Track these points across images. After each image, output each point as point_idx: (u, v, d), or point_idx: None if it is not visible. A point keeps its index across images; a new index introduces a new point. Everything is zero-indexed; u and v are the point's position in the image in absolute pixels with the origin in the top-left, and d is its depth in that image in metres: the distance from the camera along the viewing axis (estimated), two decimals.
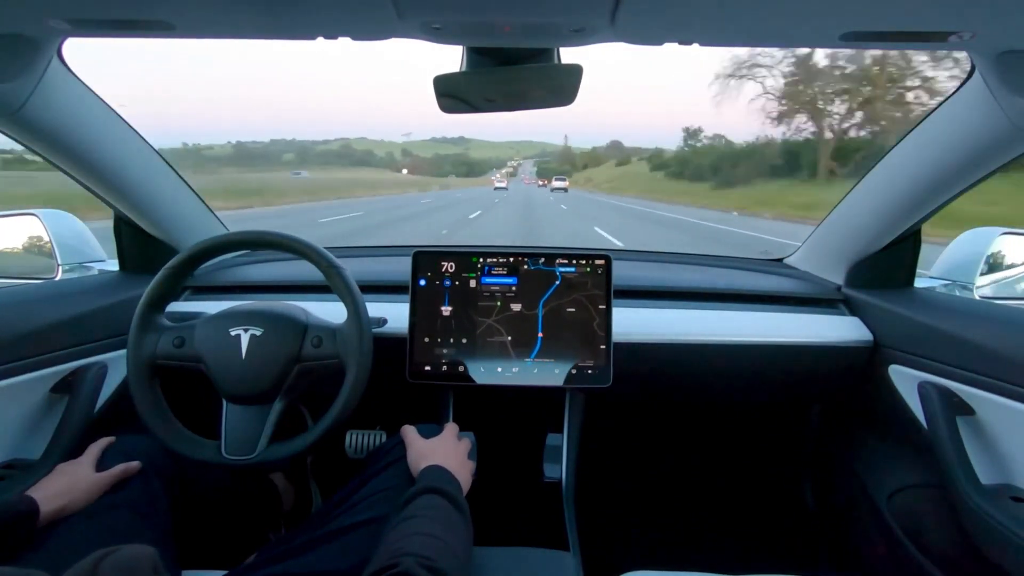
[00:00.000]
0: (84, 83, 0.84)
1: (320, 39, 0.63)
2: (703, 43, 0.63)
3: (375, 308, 0.95)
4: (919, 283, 1.10)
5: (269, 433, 0.81)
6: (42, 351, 0.85)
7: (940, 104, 0.84)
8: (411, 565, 0.51)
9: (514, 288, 1.00)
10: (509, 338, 0.98)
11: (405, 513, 0.62)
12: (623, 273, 1.06)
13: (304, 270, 0.91)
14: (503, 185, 44.90)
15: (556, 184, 42.55)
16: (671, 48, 0.63)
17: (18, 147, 0.86)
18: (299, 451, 0.81)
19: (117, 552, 0.44)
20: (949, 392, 0.86)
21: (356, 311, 0.83)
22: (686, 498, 1.43)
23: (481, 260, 1.00)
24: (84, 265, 1.23)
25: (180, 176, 1.11)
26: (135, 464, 0.77)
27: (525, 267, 1.00)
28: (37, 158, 0.88)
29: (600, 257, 1.00)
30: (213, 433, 0.83)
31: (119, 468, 0.75)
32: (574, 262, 1.00)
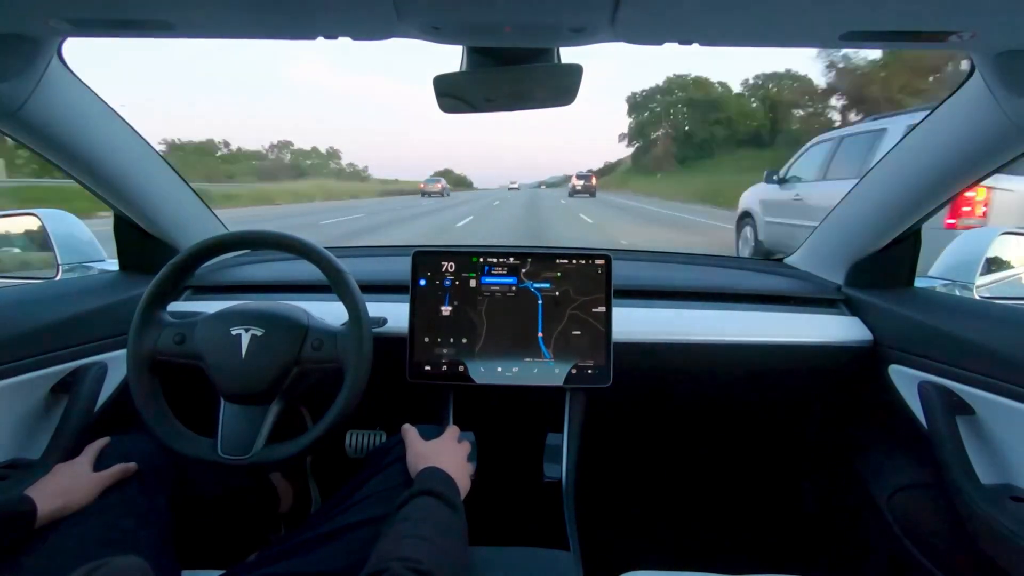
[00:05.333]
0: (84, 83, 0.84)
1: (320, 39, 0.63)
2: (703, 43, 0.63)
3: (375, 308, 0.95)
4: (919, 283, 1.10)
5: (265, 434, 0.81)
6: (42, 351, 0.85)
7: (940, 104, 0.84)
8: (399, 570, 0.51)
9: (514, 288, 1.00)
10: (509, 338, 0.99)
11: (399, 516, 0.62)
12: (623, 273, 1.06)
13: (304, 270, 0.91)
14: (515, 186, 45.64)
15: (577, 184, 26.43)
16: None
17: None
18: (294, 454, 0.81)
19: (106, 565, 0.44)
20: (949, 392, 0.86)
21: (356, 312, 0.83)
22: (686, 498, 1.43)
23: (481, 260, 1.00)
24: (84, 265, 1.23)
25: (180, 176, 1.11)
26: (133, 464, 0.77)
27: (525, 267, 1.00)
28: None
29: (600, 257, 1.00)
30: (210, 431, 0.83)
31: (117, 468, 0.75)
32: (574, 262, 1.00)
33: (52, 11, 0.58)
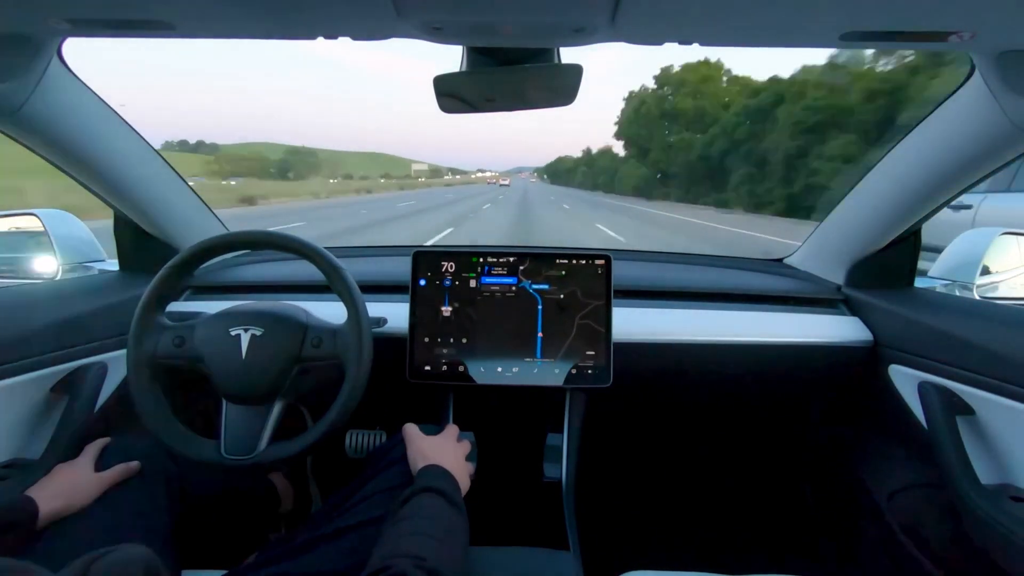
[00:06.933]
0: (84, 83, 0.84)
1: (320, 39, 0.63)
2: (703, 43, 0.63)
3: (375, 308, 0.95)
4: (919, 283, 1.10)
5: (269, 433, 0.81)
6: (42, 351, 0.85)
7: (940, 104, 0.84)
8: (405, 566, 0.51)
9: (514, 288, 1.00)
10: (509, 338, 0.99)
11: (402, 513, 0.62)
12: (623, 273, 1.06)
13: (304, 270, 0.91)
14: (506, 183, 45.04)
15: None
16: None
17: None
18: (298, 452, 0.81)
19: (109, 554, 0.44)
20: (949, 392, 0.86)
21: (356, 311, 0.83)
22: (686, 498, 1.43)
23: (481, 260, 1.00)
24: (84, 265, 1.23)
25: (180, 176, 1.11)
26: (134, 464, 0.77)
27: (525, 267, 1.00)
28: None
29: (600, 257, 1.00)
30: (213, 433, 0.83)
31: (118, 468, 0.75)
32: (574, 262, 1.00)
33: (52, 11, 0.58)
